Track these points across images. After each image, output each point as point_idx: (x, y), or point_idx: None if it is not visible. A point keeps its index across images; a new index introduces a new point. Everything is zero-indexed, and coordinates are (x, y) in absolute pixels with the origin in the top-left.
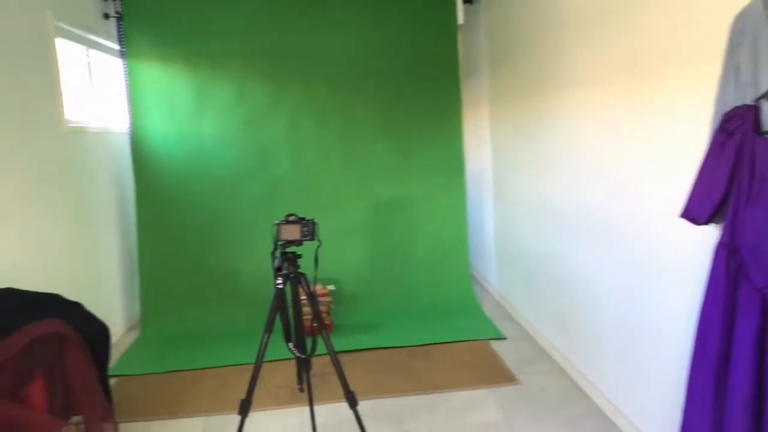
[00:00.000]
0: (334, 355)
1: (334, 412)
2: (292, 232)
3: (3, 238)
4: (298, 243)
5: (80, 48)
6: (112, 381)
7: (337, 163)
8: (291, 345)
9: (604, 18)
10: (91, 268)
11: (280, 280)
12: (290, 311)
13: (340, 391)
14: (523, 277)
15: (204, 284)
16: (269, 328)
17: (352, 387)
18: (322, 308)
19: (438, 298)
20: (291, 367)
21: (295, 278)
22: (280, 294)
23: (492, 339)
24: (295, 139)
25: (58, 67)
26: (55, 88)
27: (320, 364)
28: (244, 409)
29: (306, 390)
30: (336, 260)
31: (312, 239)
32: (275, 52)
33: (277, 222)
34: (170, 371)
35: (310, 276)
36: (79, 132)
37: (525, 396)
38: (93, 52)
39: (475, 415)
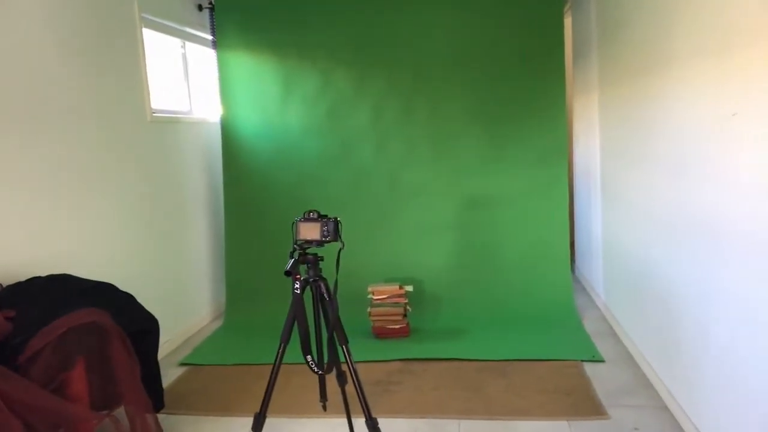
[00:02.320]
0: (355, 374)
1: (387, 429)
2: (311, 231)
3: (78, 226)
4: (318, 244)
5: (175, 40)
6: (183, 370)
7: (423, 153)
8: (309, 358)
9: None
10: (179, 257)
11: (297, 285)
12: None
13: (399, 406)
14: (629, 289)
15: (284, 276)
16: (285, 338)
17: (416, 401)
18: (398, 310)
19: (530, 307)
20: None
21: (315, 283)
22: (297, 300)
23: (587, 360)
24: (380, 129)
25: (144, 58)
26: (141, 79)
27: (385, 371)
28: (257, 424)
29: (343, 404)
30: (417, 258)
31: (334, 240)
32: (360, 41)
33: (296, 219)
34: (239, 364)
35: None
36: (167, 122)
37: None
38: (189, 44)
39: None
